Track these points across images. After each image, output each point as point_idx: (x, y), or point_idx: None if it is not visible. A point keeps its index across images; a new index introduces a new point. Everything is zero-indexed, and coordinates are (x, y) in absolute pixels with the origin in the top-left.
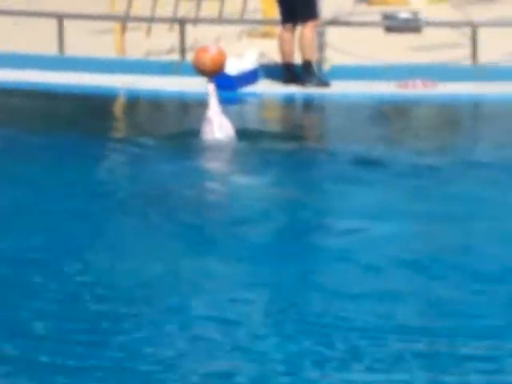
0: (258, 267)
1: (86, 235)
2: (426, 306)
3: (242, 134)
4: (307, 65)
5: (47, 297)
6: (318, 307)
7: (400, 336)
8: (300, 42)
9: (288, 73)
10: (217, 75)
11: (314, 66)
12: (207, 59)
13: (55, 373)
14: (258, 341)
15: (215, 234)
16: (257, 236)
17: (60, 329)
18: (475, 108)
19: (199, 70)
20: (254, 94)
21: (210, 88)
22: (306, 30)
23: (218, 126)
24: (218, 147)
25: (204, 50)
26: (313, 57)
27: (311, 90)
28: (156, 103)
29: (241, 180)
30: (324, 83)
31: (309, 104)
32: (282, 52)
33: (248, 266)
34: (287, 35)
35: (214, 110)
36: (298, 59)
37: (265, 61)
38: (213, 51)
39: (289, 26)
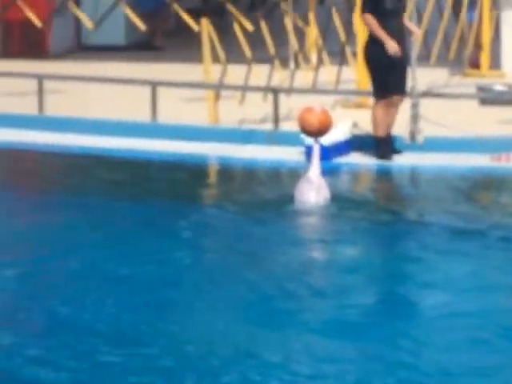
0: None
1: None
2: None
3: (337, 200)
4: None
5: None
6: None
7: None
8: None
9: (384, 147)
10: (323, 135)
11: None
12: (314, 119)
13: None
14: None
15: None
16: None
17: None
18: None
19: (306, 131)
20: (347, 165)
21: (315, 148)
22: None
23: (317, 188)
24: (314, 211)
25: (310, 110)
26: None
27: (403, 162)
28: (249, 172)
29: (333, 248)
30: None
31: (401, 176)
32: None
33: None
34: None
35: (316, 171)
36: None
37: (358, 131)
38: (318, 111)
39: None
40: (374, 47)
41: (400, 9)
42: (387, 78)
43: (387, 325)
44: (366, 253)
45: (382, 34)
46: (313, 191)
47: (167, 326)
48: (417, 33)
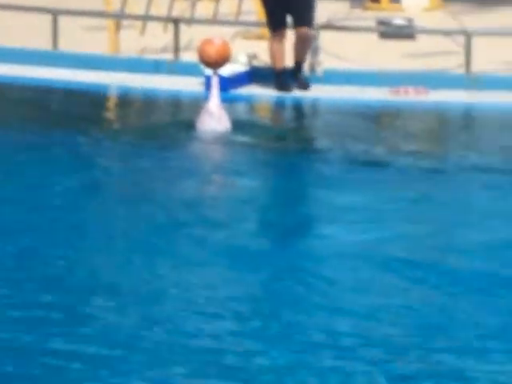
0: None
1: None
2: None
3: (237, 128)
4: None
5: None
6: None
7: None
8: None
9: (280, 79)
10: (221, 67)
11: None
12: (212, 51)
13: None
14: None
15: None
16: (231, 238)
17: None
18: (466, 116)
19: (204, 62)
20: (246, 96)
21: (214, 80)
22: (310, 37)
23: (218, 118)
24: (214, 138)
25: (209, 41)
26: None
27: (302, 94)
28: (149, 102)
29: (230, 178)
30: (304, 85)
31: (300, 107)
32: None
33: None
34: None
35: (215, 102)
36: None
37: (258, 63)
38: (217, 43)
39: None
40: None
41: None
42: (273, 11)
43: (278, 254)
44: (260, 183)
45: None
46: (213, 121)
47: None
48: None
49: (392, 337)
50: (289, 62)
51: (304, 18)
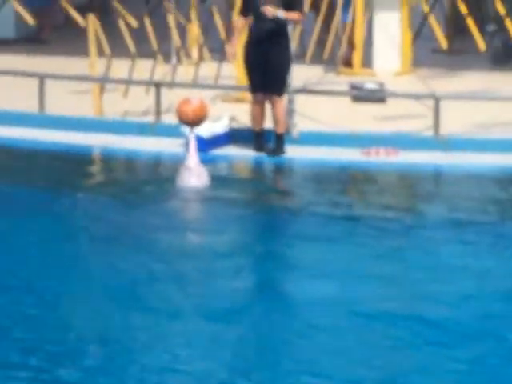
0: None
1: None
2: None
3: (216, 185)
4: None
5: None
6: None
7: None
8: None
9: (258, 140)
10: (198, 125)
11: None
12: (189, 110)
13: None
14: None
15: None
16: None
17: None
18: (434, 175)
19: (182, 120)
20: (224, 157)
21: (191, 137)
22: (281, 105)
23: (196, 174)
24: (192, 193)
25: (186, 101)
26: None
27: (281, 157)
28: (130, 162)
29: (206, 230)
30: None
31: (277, 168)
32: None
33: None
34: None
35: (193, 159)
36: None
37: (236, 125)
38: (194, 103)
39: (259, 95)
40: (244, 47)
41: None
42: (250, 77)
43: (258, 309)
44: (236, 239)
45: (234, 36)
46: (192, 177)
47: None
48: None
49: None
50: (268, 123)
51: (276, 85)
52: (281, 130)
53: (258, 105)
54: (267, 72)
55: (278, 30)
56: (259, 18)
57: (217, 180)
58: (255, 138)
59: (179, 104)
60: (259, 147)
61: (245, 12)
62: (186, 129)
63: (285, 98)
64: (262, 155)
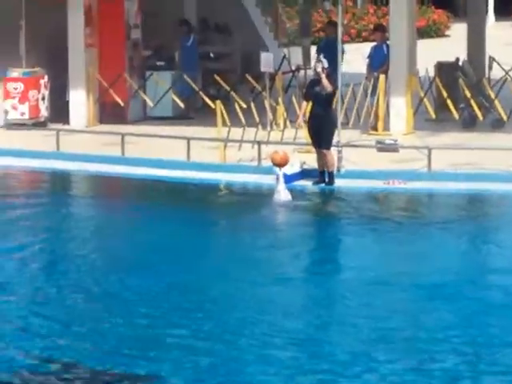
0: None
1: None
2: None
3: (296, 201)
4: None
5: None
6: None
7: None
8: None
9: (320, 176)
10: (283, 166)
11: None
12: (277, 156)
13: None
14: None
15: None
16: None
17: None
18: (427, 197)
19: (273, 163)
20: (299, 186)
21: (280, 174)
22: (329, 154)
23: (284, 194)
24: (281, 204)
25: (276, 151)
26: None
27: (333, 186)
28: (247, 189)
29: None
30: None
31: (331, 193)
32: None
33: None
34: (318, 155)
35: (282, 187)
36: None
37: (306, 167)
38: (280, 152)
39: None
40: (308, 120)
41: (318, 97)
42: (311, 137)
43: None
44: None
45: (301, 113)
46: (281, 196)
47: None
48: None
49: None
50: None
51: (325, 142)
52: (330, 169)
53: (318, 154)
54: (320, 135)
55: (325, 110)
56: (315, 102)
57: (295, 198)
58: (318, 174)
59: (272, 154)
60: (320, 180)
61: (306, 98)
62: (276, 169)
63: (333, 150)
64: (322, 185)
